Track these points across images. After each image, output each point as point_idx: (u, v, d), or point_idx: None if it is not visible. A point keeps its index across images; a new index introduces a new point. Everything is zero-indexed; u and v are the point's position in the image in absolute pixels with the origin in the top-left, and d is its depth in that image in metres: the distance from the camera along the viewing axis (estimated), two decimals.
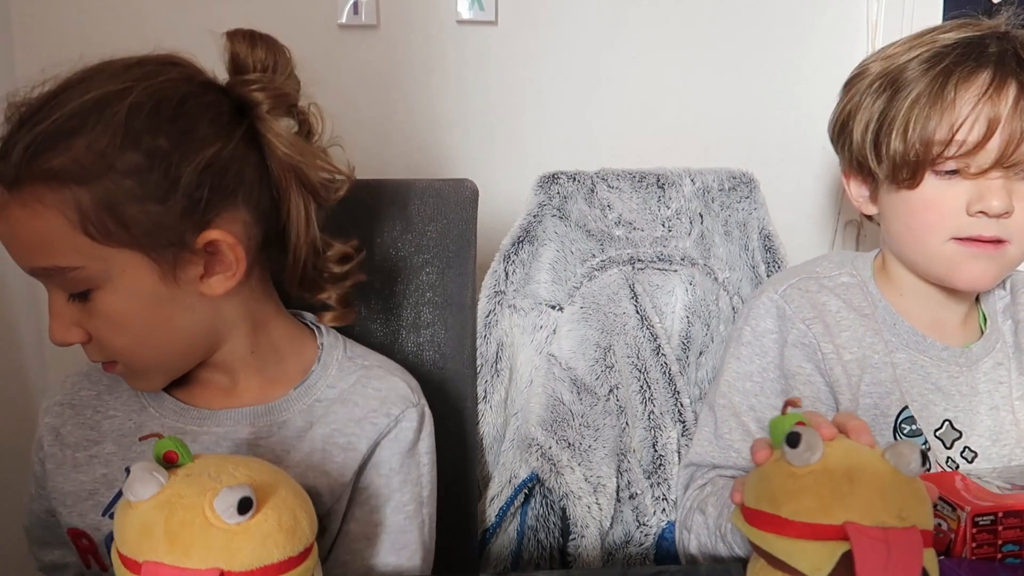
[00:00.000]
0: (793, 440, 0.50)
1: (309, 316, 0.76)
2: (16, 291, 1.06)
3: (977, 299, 0.87)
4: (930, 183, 0.76)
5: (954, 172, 0.75)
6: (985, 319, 0.86)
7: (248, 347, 0.70)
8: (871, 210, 0.85)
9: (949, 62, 0.76)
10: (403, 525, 0.71)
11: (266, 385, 0.71)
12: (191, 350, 0.68)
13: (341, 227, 0.86)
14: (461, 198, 0.88)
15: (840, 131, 0.85)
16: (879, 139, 0.79)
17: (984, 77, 0.74)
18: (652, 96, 1.14)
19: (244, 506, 0.48)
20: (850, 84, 0.85)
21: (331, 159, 0.71)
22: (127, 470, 0.50)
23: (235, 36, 0.68)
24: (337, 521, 0.70)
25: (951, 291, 0.83)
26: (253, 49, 0.68)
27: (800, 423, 0.51)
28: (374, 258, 0.86)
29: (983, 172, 0.74)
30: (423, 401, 0.75)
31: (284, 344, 0.73)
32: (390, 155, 1.11)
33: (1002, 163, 0.74)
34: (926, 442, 0.80)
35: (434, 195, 0.88)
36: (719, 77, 1.15)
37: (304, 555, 0.51)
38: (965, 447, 0.81)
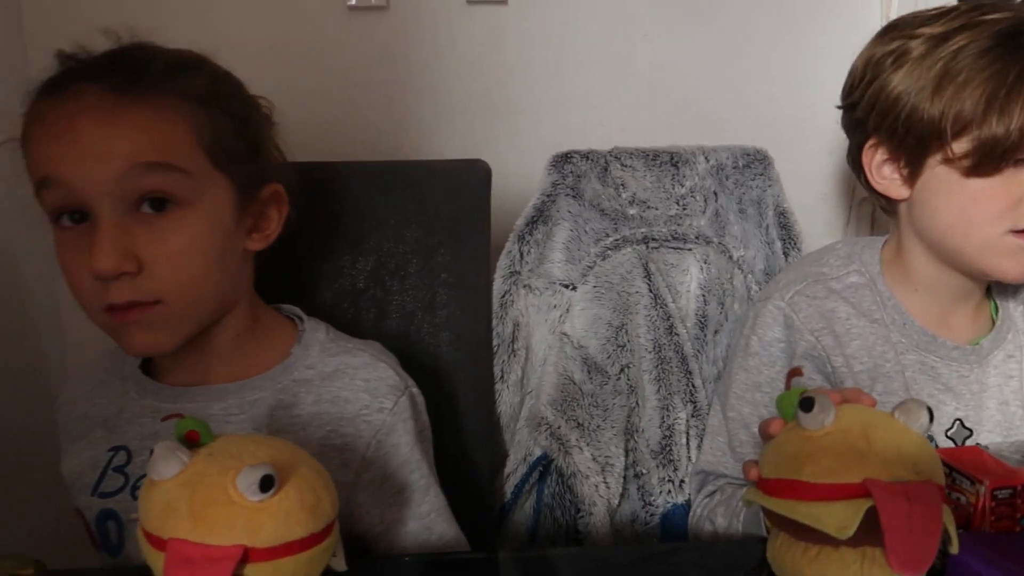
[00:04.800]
0: (807, 405, 0.50)
1: (294, 309, 0.77)
2: (36, 292, 1.07)
3: (989, 289, 0.86)
4: (1006, 171, 0.73)
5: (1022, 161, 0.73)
6: (997, 309, 0.85)
7: (242, 325, 0.71)
8: (902, 193, 0.80)
9: None
10: (433, 498, 0.74)
11: (241, 367, 0.72)
12: (216, 307, 0.68)
13: (355, 210, 0.87)
14: (474, 179, 0.88)
15: (888, 111, 0.77)
16: (966, 121, 0.73)
17: None
18: (664, 73, 1.13)
19: (266, 484, 0.48)
20: (890, 63, 0.78)
21: None
22: (151, 451, 0.51)
23: None
24: (361, 520, 0.71)
25: (968, 283, 0.81)
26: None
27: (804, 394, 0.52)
28: (388, 240, 0.87)
29: None
30: (410, 380, 0.75)
31: (265, 332, 0.74)
32: (402, 137, 1.11)
33: None
34: (936, 445, 0.80)
35: (447, 176, 0.88)
36: (731, 53, 1.14)
37: (326, 532, 0.52)
38: (976, 444, 0.81)
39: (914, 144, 0.77)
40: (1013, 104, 0.71)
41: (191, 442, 0.53)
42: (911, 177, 0.79)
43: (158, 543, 0.49)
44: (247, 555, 0.48)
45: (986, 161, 0.73)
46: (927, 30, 0.77)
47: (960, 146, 0.74)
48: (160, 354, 0.69)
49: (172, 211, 0.64)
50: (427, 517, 0.73)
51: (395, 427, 0.71)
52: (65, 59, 0.67)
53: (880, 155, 0.81)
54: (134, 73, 0.64)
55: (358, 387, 0.71)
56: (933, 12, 0.79)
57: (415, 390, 0.75)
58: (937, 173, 0.77)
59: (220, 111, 0.67)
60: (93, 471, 0.70)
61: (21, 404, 1.03)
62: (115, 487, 0.69)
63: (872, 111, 0.80)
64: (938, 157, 0.76)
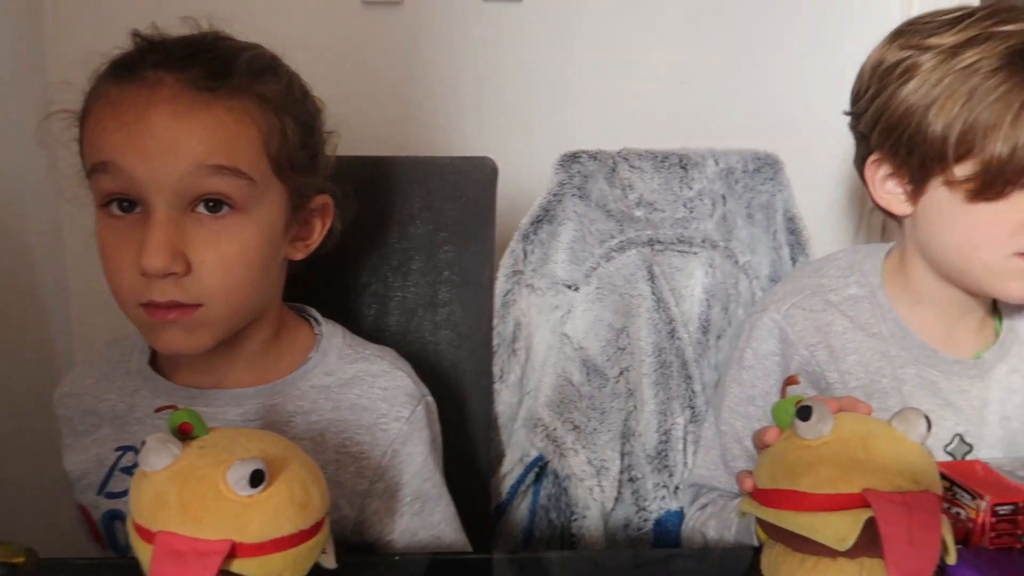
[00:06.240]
0: (804, 413, 0.50)
1: (311, 311, 0.76)
2: (44, 277, 1.08)
3: (994, 301, 0.84)
4: (1011, 195, 0.71)
5: None
6: (1002, 321, 0.84)
7: (269, 331, 0.70)
8: (904, 210, 0.78)
9: None
10: (444, 507, 0.73)
11: (261, 371, 0.71)
12: (252, 313, 0.67)
13: (362, 204, 0.86)
14: (481, 176, 0.87)
15: (892, 128, 0.75)
16: (970, 143, 0.70)
17: None
18: (676, 75, 1.12)
19: (256, 479, 0.48)
20: (897, 75, 0.76)
21: None
22: (143, 442, 0.50)
23: None
24: (373, 528, 0.70)
25: (972, 298, 0.80)
26: None
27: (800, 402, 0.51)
28: (392, 235, 0.86)
29: None
30: (425, 389, 0.75)
31: (287, 336, 0.73)
32: (411, 132, 1.11)
33: None
34: None
35: (454, 173, 0.88)
36: (745, 56, 1.13)
37: (315, 529, 0.52)
38: (977, 459, 0.79)
39: (917, 164, 0.74)
40: (1021, 126, 0.68)
41: (184, 434, 0.52)
42: (914, 194, 0.77)
43: (147, 535, 0.49)
44: (235, 550, 0.48)
45: (991, 185, 0.70)
46: (938, 40, 0.74)
47: (963, 169, 0.72)
48: (190, 355, 0.66)
49: (228, 215, 0.62)
50: (437, 527, 0.73)
51: (411, 436, 0.71)
52: (140, 41, 0.64)
53: (883, 170, 0.79)
54: (215, 71, 0.62)
55: (376, 395, 0.70)
56: (949, 17, 0.76)
57: (430, 399, 0.75)
58: (940, 194, 0.74)
59: (290, 118, 0.66)
60: (99, 470, 0.70)
61: (23, 393, 1.03)
62: (123, 488, 0.68)
63: (876, 126, 0.77)
64: (941, 179, 0.74)
